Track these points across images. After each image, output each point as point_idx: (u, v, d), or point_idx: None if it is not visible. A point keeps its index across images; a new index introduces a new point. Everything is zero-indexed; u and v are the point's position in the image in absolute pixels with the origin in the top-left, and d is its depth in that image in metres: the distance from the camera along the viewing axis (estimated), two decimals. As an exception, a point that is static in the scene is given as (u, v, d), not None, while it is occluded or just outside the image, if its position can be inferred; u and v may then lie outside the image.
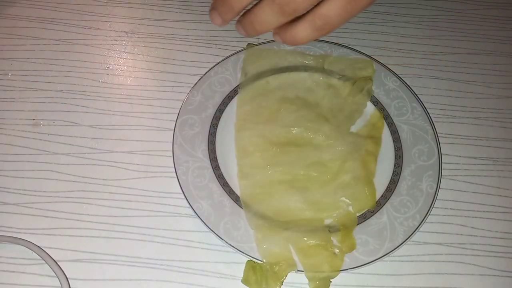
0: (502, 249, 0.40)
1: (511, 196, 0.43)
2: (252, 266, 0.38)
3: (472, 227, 0.41)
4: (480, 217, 0.42)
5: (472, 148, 0.45)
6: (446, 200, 0.43)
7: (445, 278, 0.39)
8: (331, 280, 0.38)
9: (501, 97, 0.49)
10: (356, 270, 0.38)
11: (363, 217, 0.40)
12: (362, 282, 0.39)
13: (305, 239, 0.39)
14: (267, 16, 0.31)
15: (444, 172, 0.43)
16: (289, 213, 0.40)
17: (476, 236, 0.41)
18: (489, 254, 0.40)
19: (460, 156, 0.45)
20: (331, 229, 0.40)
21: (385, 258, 0.38)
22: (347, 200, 0.41)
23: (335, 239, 0.39)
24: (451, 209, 0.42)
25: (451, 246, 0.40)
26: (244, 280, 0.38)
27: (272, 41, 0.49)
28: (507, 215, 0.42)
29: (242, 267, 0.39)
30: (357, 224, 0.40)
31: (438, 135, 0.44)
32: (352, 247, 0.38)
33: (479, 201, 0.43)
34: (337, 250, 0.38)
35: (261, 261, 0.38)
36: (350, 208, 0.41)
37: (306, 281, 0.38)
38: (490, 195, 0.43)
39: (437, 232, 0.41)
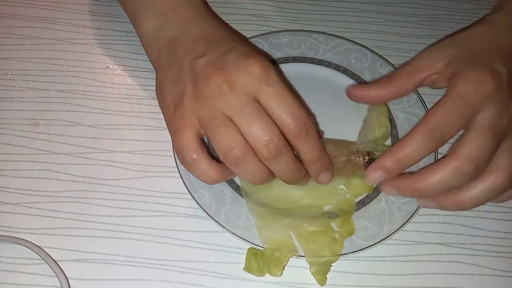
0: (502, 249, 0.40)
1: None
2: (253, 253, 0.39)
3: (472, 227, 0.41)
4: (480, 217, 0.42)
5: (472, 148, 0.45)
6: (446, 200, 0.43)
7: (445, 278, 0.39)
8: (331, 264, 0.38)
9: (501, 97, 0.48)
10: (356, 270, 0.39)
11: (362, 203, 0.41)
12: (362, 282, 0.39)
13: (305, 225, 0.39)
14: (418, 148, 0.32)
15: (444, 172, 0.43)
16: (288, 201, 0.41)
17: (476, 236, 0.41)
18: (489, 254, 0.40)
19: (460, 156, 0.45)
20: (330, 215, 0.40)
21: (386, 258, 0.39)
22: (345, 188, 0.41)
23: (334, 224, 0.39)
24: (451, 209, 0.42)
25: (451, 246, 0.40)
26: (246, 267, 0.38)
27: (268, 33, 0.49)
28: (507, 215, 0.42)
29: (242, 267, 0.39)
30: (356, 210, 0.40)
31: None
32: (351, 232, 0.39)
33: (479, 201, 0.43)
34: (337, 235, 0.39)
35: (263, 247, 0.38)
36: (348, 195, 0.41)
37: (307, 280, 0.38)
38: (490, 195, 0.43)
39: (437, 232, 0.41)
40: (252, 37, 0.49)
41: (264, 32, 0.49)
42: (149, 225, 0.41)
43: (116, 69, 0.49)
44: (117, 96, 0.47)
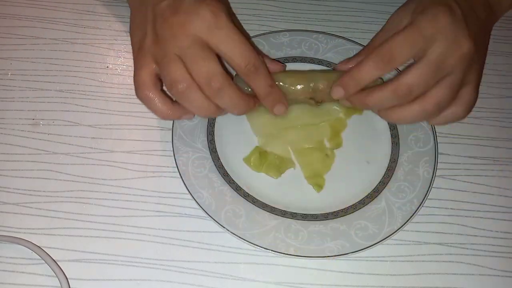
0: (503, 249, 0.40)
1: (511, 196, 0.43)
2: (260, 152, 0.43)
3: (472, 227, 0.41)
4: (480, 217, 0.42)
5: (472, 148, 0.45)
6: (446, 200, 0.42)
7: (445, 278, 0.39)
8: (324, 176, 0.43)
9: (502, 97, 0.48)
10: (356, 270, 0.39)
11: (362, 203, 0.41)
12: (362, 282, 0.39)
13: (302, 142, 0.44)
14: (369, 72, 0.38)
15: (444, 172, 0.43)
16: (288, 120, 0.44)
17: (476, 236, 0.41)
18: (490, 254, 0.40)
19: (460, 156, 0.45)
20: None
21: (386, 258, 0.39)
22: (338, 108, 0.46)
23: (326, 140, 0.45)
24: (451, 209, 0.42)
25: (451, 246, 0.40)
26: (246, 159, 0.43)
27: (268, 32, 0.49)
28: (507, 215, 0.42)
29: (242, 267, 0.39)
30: (356, 210, 0.41)
31: (438, 135, 0.44)
32: (339, 144, 0.44)
33: (479, 201, 0.43)
34: (329, 152, 0.44)
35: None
36: (341, 115, 0.46)
37: (307, 280, 0.38)
38: (490, 195, 0.43)
39: (437, 232, 0.41)
40: (252, 37, 0.49)
41: (264, 32, 0.49)
42: (149, 225, 0.41)
43: (116, 69, 0.49)
44: (117, 96, 0.47)
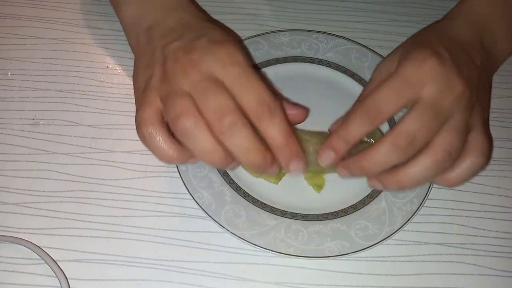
0: (503, 249, 0.40)
1: (511, 196, 0.43)
2: None
3: (473, 227, 0.41)
4: (480, 217, 0.42)
5: (472, 148, 0.45)
6: (446, 200, 0.42)
7: (446, 278, 0.39)
8: (324, 177, 0.42)
9: (502, 97, 0.48)
10: (356, 270, 0.39)
11: (362, 203, 0.41)
12: (362, 283, 0.39)
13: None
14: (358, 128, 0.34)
15: (444, 172, 0.43)
16: None
17: (477, 236, 0.41)
18: (490, 254, 0.40)
19: (460, 156, 0.45)
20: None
21: (386, 259, 0.39)
22: None
23: None
24: (451, 209, 0.42)
25: (451, 246, 0.40)
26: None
27: (268, 32, 0.49)
28: (507, 215, 0.42)
29: (242, 267, 0.39)
30: (356, 210, 0.41)
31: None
32: None
33: (479, 201, 0.42)
34: None
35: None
36: None
37: (307, 280, 0.38)
38: (490, 195, 0.43)
39: (437, 232, 0.41)
40: (252, 36, 0.49)
41: (264, 31, 0.49)
42: (149, 225, 0.41)
43: (116, 69, 0.49)
44: (117, 96, 0.47)
